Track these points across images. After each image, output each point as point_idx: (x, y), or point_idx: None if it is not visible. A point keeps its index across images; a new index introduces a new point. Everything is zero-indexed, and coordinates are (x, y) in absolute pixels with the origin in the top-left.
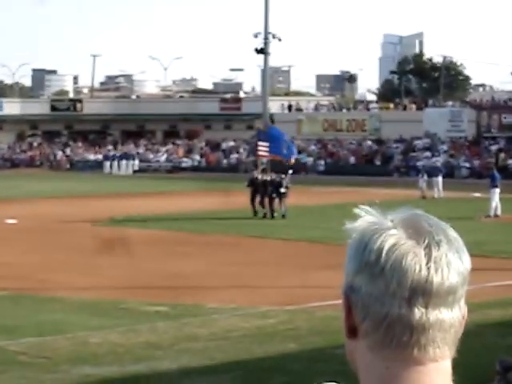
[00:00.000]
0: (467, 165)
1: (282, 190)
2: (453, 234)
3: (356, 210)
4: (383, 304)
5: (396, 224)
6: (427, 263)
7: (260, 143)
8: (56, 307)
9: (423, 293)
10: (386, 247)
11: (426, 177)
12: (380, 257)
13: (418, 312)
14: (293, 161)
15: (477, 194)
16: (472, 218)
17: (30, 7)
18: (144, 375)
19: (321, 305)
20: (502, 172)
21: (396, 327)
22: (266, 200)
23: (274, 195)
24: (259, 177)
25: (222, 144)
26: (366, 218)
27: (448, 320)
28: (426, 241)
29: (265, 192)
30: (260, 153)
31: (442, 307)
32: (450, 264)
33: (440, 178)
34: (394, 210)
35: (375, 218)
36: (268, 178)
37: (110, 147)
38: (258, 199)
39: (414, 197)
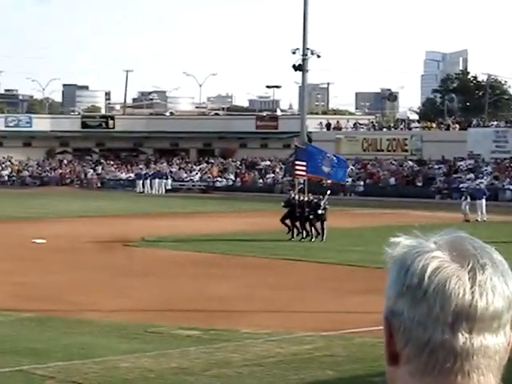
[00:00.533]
0: None
1: (320, 211)
2: (498, 257)
3: (395, 237)
4: (426, 329)
5: (439, 246)
6: (471, 287)
7: (298, 162)
8: (85, 330)
9: (467, 318)
10: (429, 270)
11: (469, 199)
12: (423, 280)
13: (462, 337)
14: (328, 182)
15: None
16: None
17: (62, 22)
18: None
19: (359, 331)
20: None
21: (439, 353)
22: (303, 222)
23: (312, 217)
24: (296, 197)
25: (258, 163)
26: (407, 241)
27: (493, 346)
28: (471, 264)
29: (302, 213)
30: (297, 172)
31: (487, 333)
32: (495, 288)
33: (483, 201)
34: (437, 233)
35: (417, 241)
36: (305, 199)
37: (143, 166)
38: (293, 221)
39: (456, 220)
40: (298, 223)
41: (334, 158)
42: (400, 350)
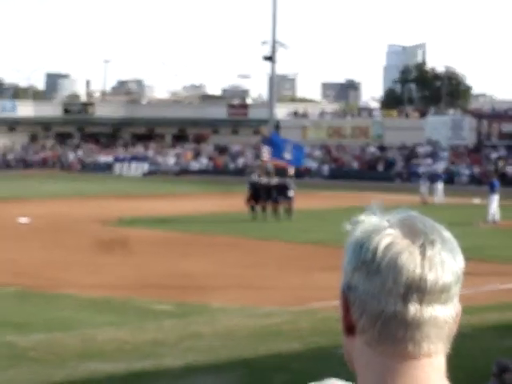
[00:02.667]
0: (467, 172)
1: (291, 193)
2: (447, 234)
3: (366, 205)
4: (379, 301)
5: (392, 224)
6: (422, 261)
7: (264, 148)
8: (65, 304)
9: (417, 290)
10: (382, 246)
11: (427, 183)
12: (376, 255)
13: (413, 308)
14: (292, 171)
15: (476, 201)
16: (471, 224)
17: (46, 13)
18: (150, 372)
19: (323, 305)
20: (501, 179)
21: (392, 323)
22: (269, 203)
23: (281, 198)
24: (262, 180)
25: (229, 148)
26: (363, 219)
27: (442, 317)
28: (421, 240)
29: (268, 196)
30: (264, 157)
31: (436, 304)
32: (444, 263)
33: (441, 185)
34: (391, 212)
35: (371, 220)
36: (273, 182)
37: (121, 150)
38: (259, 202)
39: (415, 202)
40: (261, 204)
41: (292, 146)
42: (355, 321)
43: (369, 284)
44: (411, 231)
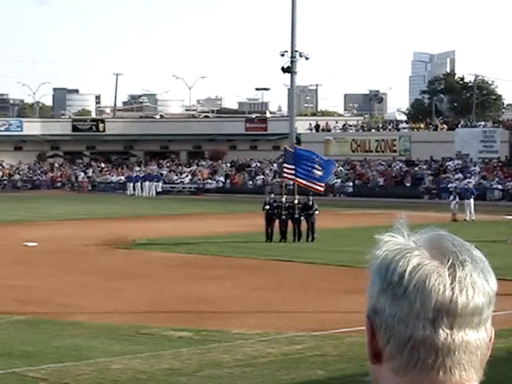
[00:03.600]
0: (500, 187)
1: (317, 212)
2: (477, 253)
3: (378, 236)
4: (407, 325)
5: (419, 244)
6: (451, 283)
7: (286, 165)
8: (76, 332)
9: (448, 313)
10: (410, 267)
11: (457, 199)
12: (403, 277)
13: (443, 333)
14: (321, 189)
15: (509, 217)
16: (504, 242)
17: (52, 25)
18: None
19: (349, 330)
20: None
21: (421, 349)
22: (290, 224)
23: (303, 218)
24: (283, 200)
25: (248, 165)
26: (388, 240)
27: (474, 342)
28: (450, 261)
29: (291, 215)
30: (286, 175)
31: (468, 328)
32: (475, 284)
33: (472, 201)
34: (418, 232)
35: (397, 240)
36: (295, 201)
37: (133, 168)
38: (276, 224)
39: (444, 219)
40: (278, 225)
41: (321, 161)
42: (382, 347)
43: (395, 308)
44: (440, 251)
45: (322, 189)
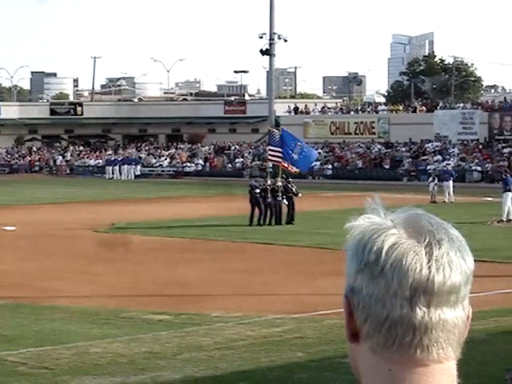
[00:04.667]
0: (479, 168)
1: (300, 194)
2: (455, 232)
3: (365, 204)
4: (384, 305)
5: (396, 223)
6: (428, 262)
7: (272, 148)
8: (56, 316)
9: (424, 292)
10: (386, 246)
11: (436, 181)
12: (380, 256)
13: (420, 312)
14: (295, 170)
15: (488, 199)
16: (483, 223)
17: (29, 9)
18: None
19: (329, 313)
20: None
21: (398, 328)
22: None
23: (285, 201)
24: (269, 182)
25: (226, 148)
26: (366, 218)
27: (451, 320)
28: (427, 239)
29: (274, 199)
30: (272, 158)
31: (445, 307)
32: (452, 263)
33: (451, 182)
34: (394, 211)
35: (374, 219)
36: (278, 184)
37: (111, 152)
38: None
39: (423, 201)
40: (264, 209)
41: (305, 149)
42: (360, 326)
43: (373, 287)
44: (416, 230)
45: (295, 170)
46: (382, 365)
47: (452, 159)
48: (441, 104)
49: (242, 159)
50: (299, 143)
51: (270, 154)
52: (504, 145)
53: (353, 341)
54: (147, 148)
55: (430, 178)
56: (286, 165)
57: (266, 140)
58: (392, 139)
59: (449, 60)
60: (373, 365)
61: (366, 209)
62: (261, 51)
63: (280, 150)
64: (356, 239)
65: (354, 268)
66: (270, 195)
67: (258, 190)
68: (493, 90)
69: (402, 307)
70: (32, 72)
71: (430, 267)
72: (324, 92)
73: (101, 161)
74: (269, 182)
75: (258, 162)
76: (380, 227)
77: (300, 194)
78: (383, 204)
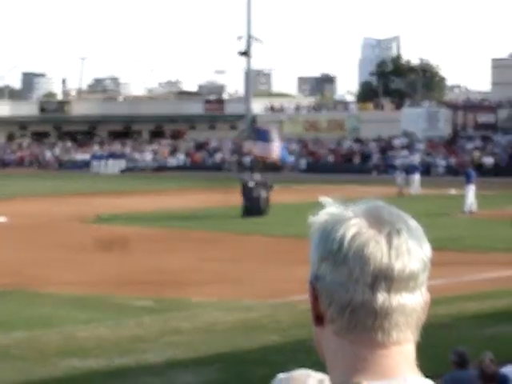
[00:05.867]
0: (444, 163)
1: (275, 188)
2: (413, 223)
3: (320, 200)
4: (347, 290)
5: (357, 214)
6: (388, 250)
7: (257, 143)
8: (45, 302)
9: (385, 278)
10: (349, 236)
11: (403, 174)
12: (343, 245)
13: (381, 297)
14: (276, 157)
15: (453, 191)
16: (448, 215)
17: (20, 10)
18: (130, 368)
19: (303, 298)
20: (477, 170)
21: (360, 312)
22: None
23: (265, 194)
24: (257, 177)
25: (206, 143)
26: (328, 209)
27: (410, 304)
28: (387, 229)
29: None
30: (257, 152)
31: (404, 292)
32: (411, 251)
33: (417, 176)
34: (356, 203)
35: (337, 210)
36: (258, 178)
37: (97, 147)
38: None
39: (391, 194)
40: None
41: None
42: (324, 311)
43: (336, 274)
44: (377, 220)
45: (276, 157)
46: (345, 346)
47: (418, 154)
48: (408, 102)
49: (220, 154)
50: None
51: (256, 149)
52: (467, 141)
53: (317, 324)
54: (131, 144)
55: (398, 172)
56: (273, 156)
57: (244, 135)
58: (362, 135)
59: (415, 61)
60: (336, 347)
61: (326, 203)
62: (239, 53)
63: (266, 144)
64: (320, 229)
65: (318, 256)
66: (255, 188)
67: (253, 184)
68: (457, 90)
69: (364, 293)
70: (23, 73)
71: (390, 255)
72: (298, 92)
73: (88, 156)
74: (257, 176)
75: (236, 157)
76: (342, 218)
77: (275, 188)
78: (340, 199)
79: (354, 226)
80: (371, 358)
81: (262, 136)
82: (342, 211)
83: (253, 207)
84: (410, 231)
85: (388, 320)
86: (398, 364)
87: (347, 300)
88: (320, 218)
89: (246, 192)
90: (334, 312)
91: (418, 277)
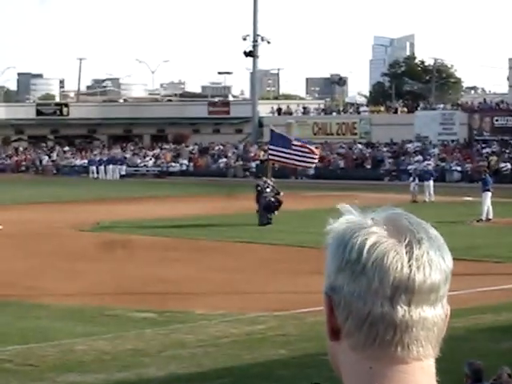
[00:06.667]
0: (459, 168)
1: (282, 193)
2: (434, 232)
3: (337, 207)
4: (365, 302)
5: (377, 222)
6: (409, 261)
7: (272, 147)
8: (41, 314)
9: (406, 291)
10: (368, 245)
11: (417, 181)
12: (361, 255)
13: (401, 310)
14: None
15: (468, 198)
16: (463, 222)
17: (17, 10)
18: (131, 383)
19: (311, 310)
20: (494, 175)
21: (379, 326)
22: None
23: (274, 201)
24: (270, 182)
25: (210, 148)
26: (347, 217)
27: (431, 318)
28: (408, 239)
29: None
30: (272, 157)
31: (425, 305)
32: (432, 262)
33: (431, 182)
34: (375, 210)
35: (356, 217)
36: (270, 183)
37: (97, 152)
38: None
39: (404, 201)
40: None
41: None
42: (341, 324)
43: (354, 285)
44: (397, 230)
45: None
46: (362, 362)
47: (432, 159)
48: (421, 105)
49: (225, 159)
50: (294, 142)
51: (271, 154)
52: (483, 145)
53: (333, 338)
54: (132, 148)
55: (411, 178)
56: (290, 162)
57: (249, 140)
58: (373, 140)
59: (429, 62)
60: (353, 362)
61: (344, 210)
62: (244, 53)
63: (282, 149)
64: (337, 238)
65: (335, 266)
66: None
67: (268, 190)
68: (472, 92)
69: (383, 305)
70: (19, 73)
71: (410, 266)
72: (307, 93)
73: (86, 161)
74: (270, 182)
75: (241, 163)
76: (361, 226)
77: (282, 194)
78: (360, 206)
79: (374, 235)
80: (390, 374)
81: (275, 140)
82: (360, 219)
83: (269, 213)
84: (431, 241)
85: (408, 334)
86: (418, 380)
87: (365, 313)
88: (338, 225)
89: (262, 198)
90: (352, 326)
91: (439, 289)
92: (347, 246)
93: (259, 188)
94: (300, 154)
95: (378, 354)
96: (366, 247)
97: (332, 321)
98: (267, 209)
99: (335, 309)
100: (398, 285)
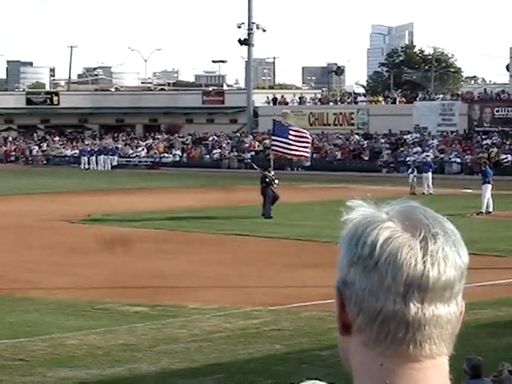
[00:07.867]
0: (458, 160)
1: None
2: (450, 226)
3: (349, 203)
4: (378, 299)
5: (391, 216)
6: (423, 257)
7: (275, 137)
8: (31, 308)
9: (419, 288)
10: (381, 240)
11: (415, 172)
12: (374, 250)
13: (414, 307)
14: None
15: (468, 190)
16: (463, 215)
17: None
18: (123, 378)
19: (306, 305)
20: (495, 167)
21: (391, 323)
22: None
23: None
24: (272, 173)
25: (204, 138)
26: (360, 210)
27: (445, 316)
28: (422, 233)
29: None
30: (275, 148)
31: (439, 303)
32: (447, 258)
33: (430, 174)
34: (389, 203)
35: (369, 211)
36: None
37: (88, 142)
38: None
39: (403, 193)
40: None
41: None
42: (352, 319)
43: (366, 281)
44: (411, 224)
45: (307, 155)
46: (373, 359)
47: (431, 151)
48: (420, 95)
49: (219, 150)
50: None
51: (273, 145)
52: (484, 136)
53: (344, 333)
54: (124, 138)
55: (410, 170)
56: (292, 153)
57: (244, 130)
58: (371, 130)
59: (428, 51)
60: (364, 358)
61: (355, 205)
62: (239, 41)
63: (283, 139)
64: (350, 232)
65: (347, 260)
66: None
67: (277, 181)
68: (473, 81)
69: (396, 302)
70: (8, 61)
71: (424, 262)
72: (303, 83)
73: (77, 151)
74: (272, 173)
75: (235, 153)
76: (375, 220)
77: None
78: (369, 199)
79: (387, 230)
80: (401, 371)
81: (278, 130)
82: (374, 212)
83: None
84: (447, 236)
85: (421, 332)
86: (430, 378)
87: (377, 309)
88: (351, 218)
89: (270, 191)
90: (363, 321)
91: (454, 286)
92: (360, 241)
93: (267, 180)
94: (298, 142)
95: (390, 351)
96: (379, 242)
97: (343, 316)
98: (274, 202)
99: (346, 304)
100: (412, 282)
